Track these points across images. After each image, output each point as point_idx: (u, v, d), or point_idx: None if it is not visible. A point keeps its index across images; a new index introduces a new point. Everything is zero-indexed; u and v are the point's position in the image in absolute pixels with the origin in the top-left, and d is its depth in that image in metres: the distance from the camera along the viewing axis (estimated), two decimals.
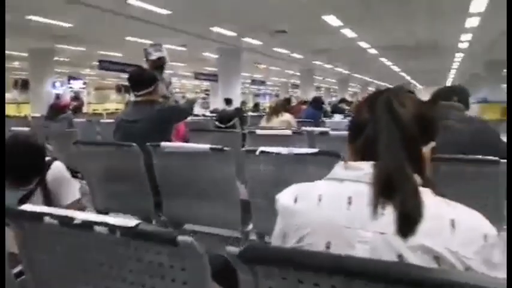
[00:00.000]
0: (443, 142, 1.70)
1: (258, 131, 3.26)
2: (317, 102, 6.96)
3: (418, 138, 0.74)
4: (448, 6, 8.36)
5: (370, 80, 32.54)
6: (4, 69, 5.29)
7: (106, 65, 14.55)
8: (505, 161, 1.53)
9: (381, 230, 0.66)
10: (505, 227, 1.82)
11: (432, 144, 0.78)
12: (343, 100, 12.11)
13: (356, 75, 26.56)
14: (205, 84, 27.30)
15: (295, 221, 0.73)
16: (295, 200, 0.75)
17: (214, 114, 9.06)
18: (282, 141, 3.24)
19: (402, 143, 0.70)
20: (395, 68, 22.47)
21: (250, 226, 2.09)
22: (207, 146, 1.99)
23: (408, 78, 30.15)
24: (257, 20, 9.70)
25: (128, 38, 11.84)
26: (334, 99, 32.51)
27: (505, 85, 18.81)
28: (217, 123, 3.63)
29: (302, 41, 12.77)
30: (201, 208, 2.17)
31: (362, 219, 0.68)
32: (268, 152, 1.86)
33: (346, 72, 24.30)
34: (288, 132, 3.19)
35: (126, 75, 3.08)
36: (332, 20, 9.49)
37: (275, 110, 4.75)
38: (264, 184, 1.94)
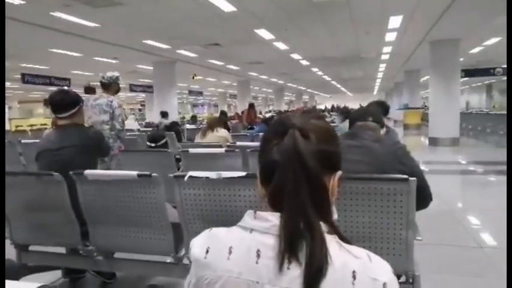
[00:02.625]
0: (360, 160, 1.85)
1: (191, 150, 3.24)
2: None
3: (324, 177, 0.73)
4: (368, 22, 9.00)
5: (304, 88, 33.78)
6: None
7: (30, 78, 13.77)
8: (415, 179, 1.67)
9: (288, 285, 0.65)
10: (419, 237, 2.00)
11: (339, 173, 0.77)
12: (280, 113, 12.47)
13: (291, 84, 27.40)
14: (142, 95, 26.55)
15: (206, 275, 0.72)
16: (207, 251, 0.73)
17: (149, 129, 8.88)
18: (216, 158, 3.27)
19: (309, 189, 0.69)
20: (327, 77, 23.56)
21: (183, 251, 2.07)
22: (134, 173, 1.95)
23: (339, 86, 31.73)
24: (189, 33, 9.68)
25: (53, 50, 11.19)
26: (271, 107, 33.19)
27: (423, 92, 20.52)
28: (148, 143, 3.55)
29: (236, 53, 12.95)
30: (130, 235, 2.12)
31: (269, 274, 0.67)
32: (197, 177, 1.87)
33: (281, 82, 25.00)
34: (221, 150, 3.21)
35: (53, 88, 2.95)
36: (264, 33, 9.76)
37: (210, 126, 4.73)
38: (196, 207, 1.94)
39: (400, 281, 1.78)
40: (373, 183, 1.72)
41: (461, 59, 12.26)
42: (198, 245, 0.76)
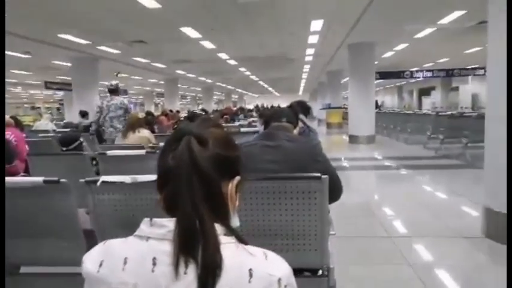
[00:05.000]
0: (276, 160, 1.91)
1: (109, 153, 3.08)
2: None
3: (220, 182, 0.74)
4: (292, 25, 9.31)
5: (233, 88, 33.98)
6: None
7: None
8: (327, 176, 1.76)
9: None
10: (332, 232, 2.12)
11: (237, 178, 0.79)
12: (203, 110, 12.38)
13: (220, 83, 27.38)
14: (60, 93, 24.66)
15: None
16: (100, 265, 0.70)
17: (67, 129, 8.27)
18: (137, 161, 3.15)
19: (203, 193, 0.70)
20: (255, 77, 23.94)
21: None
22: (39, 179, 1.81)
23: (266, 86, 32.44)
24: (111, 29, 9.21)
25: None
26: (201, 107, 32.92)
27: (344, 92, 21.76)
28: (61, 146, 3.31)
29: (163, 51, 12.62)
30: (39, 247, 1.95)
31: (167, 281, 0.66)
32: (111, 182, 1.78)
33: (210, 81, 24.87)
34: (142, 152, 3.10)
35: None
36: (190, 31, 9.63)
37: (132, 126, 4.54)
38: (112, 213, 1.85)
39: (317, 274, 1.87)
40: (288, 182, 1.78)
41: (376, 62, 13.22)
42: (90, 260, 0.72)
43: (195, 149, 0.72)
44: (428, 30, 10.40)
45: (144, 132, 4.45)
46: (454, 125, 9.15)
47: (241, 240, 0.73)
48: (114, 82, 6.24)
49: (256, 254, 0.71)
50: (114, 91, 6.17)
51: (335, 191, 1.95)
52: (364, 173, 7.78)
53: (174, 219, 0.70)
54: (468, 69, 19.25)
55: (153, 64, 15.88)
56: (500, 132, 3.48)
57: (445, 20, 9.12)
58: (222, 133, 0.81)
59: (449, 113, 12.53)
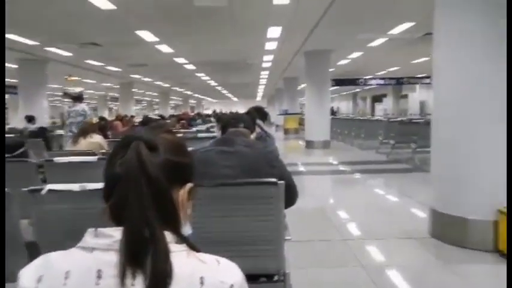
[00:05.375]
0: (232, 166, 1.90)
1: (57, 159, 2.93)
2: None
3: (170, 189, 0.72)
4: (250, 31, 9.39)
5: (191, 93, 33.64)
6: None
7: None
8: (283, 182, 1.77)
9: None
10: (288, 237, 2.14)
11: (190, 185, 0.77)
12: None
13: (177, 88, 27.00)
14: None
15: None
16: (39, 280, 0.66)
17: (11, 135, 7.78)
18: (88, 168, 3.02)
19: (153, 200, 0.67)
20: (213, 83, 23.84)
21: None
22: None
23: (225, 91, 32.43)
24: (62, 30, 8.83)
25: None
26: (157, 112, 32.23)
27: (301, 98, 22.22)
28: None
29: (117, 54, 12.26)
30: None
31: None
32: (58, 190, 1.69)
33: (167, 85, 24.45)
34: (94, 158, 2.98)
35: None
36: (146, 35, 9.42)
37: (83, 131, 4.37)
38: (59, 224, 1.75)
39: (273, 280, 1.87)
40: (244, 188, 1.78)
41: (331, 70, 13.62)
42: (27, 276, 0.67)
43: (145, 155, 0.70)
44: (380, 40, 10.88)
45: (96, 138, 4.29)
46: (403, 130, 9.60)
47: (193, 247, 0.71)
48: (77, 89, 6.48)
49: (208, 261, 0.70)
50: (77, 98, 6.32)
51: (291, 196, 1.97)
52: (319, 177, 7.96)
53: (120, 228, 0.67)
54: (416, 77, 20.36)
55: (107, 68, 15.37)
56: (445, 135, 3.70)
57: (395, 31, 9.60)
58: (173, 138, 0.79)
59: (399, 119, 13.15)
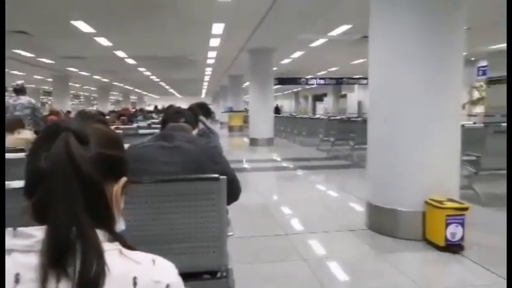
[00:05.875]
0: (173, 162, 1.85)
1: None
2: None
3: (103, 184, 0.67)
4: (194, 26, 9.23)
5: (132, 88, 32.45)
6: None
7: None
8: (225, 177, 1.76)
9: None
10: (230, 233, 2.13)
11: (124, 179, 0.73)
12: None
13: (117, 83, 25.90)
14: None
15: None
16: None
17: None
18: (15, 165, 2.79)
19: (83, 197, 0.62)
20: (155, 78, 23.19)
21: None
22: None
23: (168, 87, 31.68)
24: None
25: None
26: (96, 107, 30.71)
27: (245, 96, 22.35)
28: None
29: (51, 45, 11.48)
30: None
31: None
32: None
33: (106, 80, 23.37)
34: (20, 155, 2.75)
35: None
36: (82, 26, 8.91)
37: (10, 127, 4.03)
38: None
39: (216, 276, 1.86)
40: (185, 184, 1.74)
41: (275, 68, 13.83)
42: None
43: (74, 147, 0.64)
44: (321, 41, 11.24)
45: (25, 134, 3.98)
46: (343, 128, 10.02)
47: (127, 245, 0.67)
48: (19, 82, 6.25)
49: (142, 260, 0.66)
50: (19, 91, 6.10)
51: (233, 192, 1.96)
52: (262, 174, 8.06)
53: (43, 227, 0.61)
54: (354, 78, 21.34)
55: (39, 59, 14.33)
56: (378, 133, 3.91)
57: (334, 32, 9.98)
58: (106, 130, 0.73)
59: (339, 117, 13.70)
